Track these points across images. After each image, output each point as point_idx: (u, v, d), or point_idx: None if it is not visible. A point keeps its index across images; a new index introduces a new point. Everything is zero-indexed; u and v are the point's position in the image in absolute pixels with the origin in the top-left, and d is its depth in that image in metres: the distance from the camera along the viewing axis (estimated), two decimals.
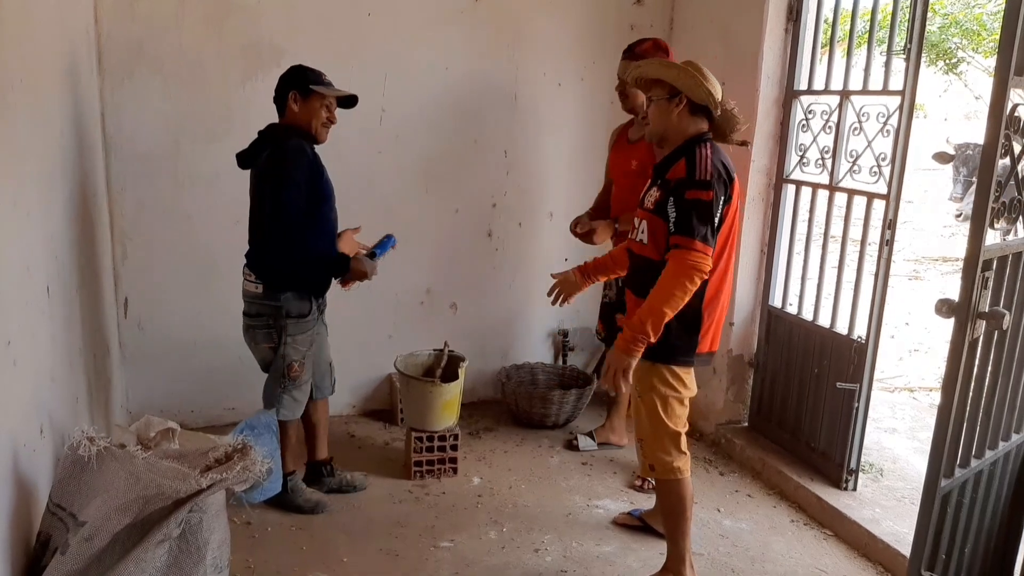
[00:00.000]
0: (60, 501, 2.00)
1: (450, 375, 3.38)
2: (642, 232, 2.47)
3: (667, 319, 2.32)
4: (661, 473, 2.56)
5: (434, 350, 3.55)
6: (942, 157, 9.71)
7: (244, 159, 2.89)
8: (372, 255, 3.01)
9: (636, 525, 3.04)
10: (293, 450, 3.03)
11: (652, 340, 2.34)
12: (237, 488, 2.18)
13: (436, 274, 4.00)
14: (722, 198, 2.30)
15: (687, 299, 2.31)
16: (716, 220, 2.30)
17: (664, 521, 2.66)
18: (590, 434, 3.75)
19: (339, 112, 2.86)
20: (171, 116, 3.41)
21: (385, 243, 3.07)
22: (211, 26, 3.38)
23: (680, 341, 2.44)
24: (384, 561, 2.79)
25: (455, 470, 3.39)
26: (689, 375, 2.53)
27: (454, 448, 3.38)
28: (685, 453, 2.56)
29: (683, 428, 2.56)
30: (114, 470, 2.01)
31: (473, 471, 3.45)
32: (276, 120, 2.87)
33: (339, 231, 2.96)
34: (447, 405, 3.31)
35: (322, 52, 3.47)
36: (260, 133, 2.84)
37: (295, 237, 2.70)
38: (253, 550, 2.79)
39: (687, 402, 2.55)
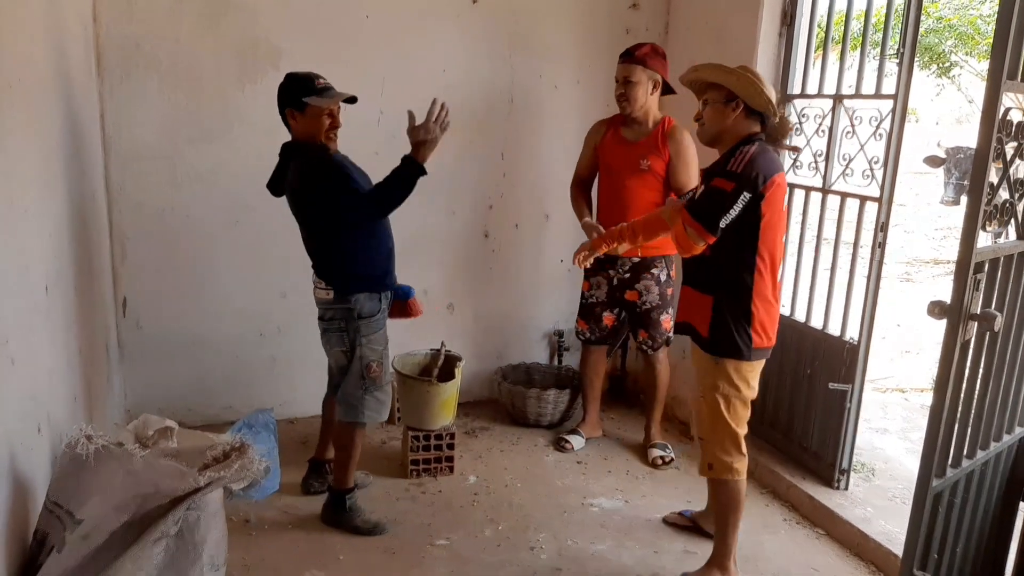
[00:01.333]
0: (57, 499, 2.00)
1: (447, 375, 3.39)
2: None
3: (636, 237, 2.79)
4: (719, 472, 2.61)
5: (431, 350, 3.56)
6: (933, 161, 9.78)
7: (274, 185, 2.85)
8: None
9: (687, 525, 3.07)
10: (355, 463, 2.95)
11: (626, 244, 2.81)
12: (235, 486, 2.19)
13: (433, 275, 4.01)
14: (748, 195, 2.34)
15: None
16: (730, 213, 2.36)
17: (716, 518, 2.72)
18: (576, 431, 3.78)
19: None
20: (169, 115, 3.42)
21: (402, 290, 3.04)
22: (209, 26, 3.39)
23: (736, 335, 2.49)
24: (380, 559, 2.80)
25: (451, 469, 3.41)
26: (752, 374, 2.57)
27: (450, 447, 3.39)
28: (744, 455, 2.62)
29: (743, 430, 2.61)
30: (112, 468, 2.02)
31: (469, 470, 3.47)
32: (277, 122, 2.84)
33: None
34: (444, 404, 3.33)
35: (320, 53, 3.49)
36: (280, 155, 2.81)
37: (383, 200, 2.65)
38: (250, 548, 2.80)
39: (749, 403, 2.61)
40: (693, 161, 3.34)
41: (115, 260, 3.47)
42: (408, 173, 2.63)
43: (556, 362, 4.30)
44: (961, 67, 11.64)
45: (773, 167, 2.40)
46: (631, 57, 3.31)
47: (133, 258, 3.49)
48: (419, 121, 2.61)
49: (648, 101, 3.35)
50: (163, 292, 3.56)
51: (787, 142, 2.54)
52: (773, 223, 2.43)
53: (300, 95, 2.63)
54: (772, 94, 2.43)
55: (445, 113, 2.62)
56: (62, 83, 2.65)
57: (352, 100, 2.74)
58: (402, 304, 3.03)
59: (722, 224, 2.37)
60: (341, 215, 2.68)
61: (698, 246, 2.43)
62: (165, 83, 3.38)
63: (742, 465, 2.62)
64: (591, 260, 2.95)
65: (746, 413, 2.62)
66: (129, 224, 3.46)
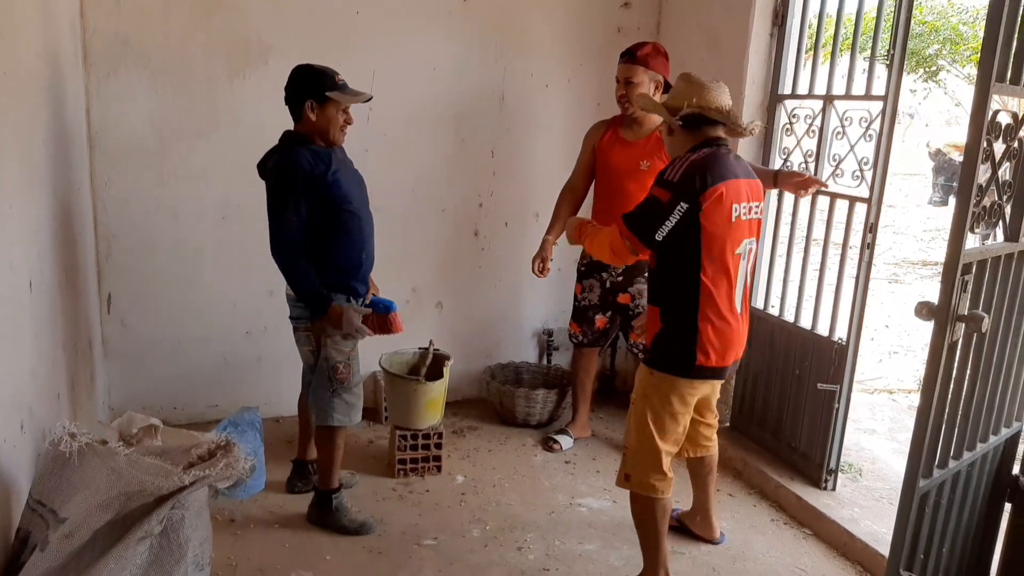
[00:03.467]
0: (40, 497, 1.98)
1: (435, 374, 3.38)
2: None
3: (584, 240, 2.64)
4: (636, 487, 2.50)
5: (419, 348, 3.55)
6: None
7: (261, 169, 2.82)
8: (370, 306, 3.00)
9: (673, 525, 2.96)
10: (339, 463, 2.92)
11: (574, 240, 2.68)
12: (220, 485, 2.17)
13: (422, 273, 4.00)
14: (685, 206, 2.25)
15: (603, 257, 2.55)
16: (666, 225, 2.26)
17: (638, 534, 2.59)
18: (565, 431, 3.78)
19: None
20: (157, 112, 3.39)
21: (384, 304, 3.05)
22: (198, 21, 3.37)
23: (676, 351, 2.38)
24: (367, 559, 2.78)
25: (439, 468, 3.39)
26: (692, 393, 2.45)
27: (438, 446, 3.38)
28: (666, 475, 2.48)
29: (669, 448, 2.48)
30: (96, 467, 2.00)
31: (457, 469, 3.45)
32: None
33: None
34: (432, 403, 3.31)
35: (310, 49, 3.44)
36: (279, 140, 2.75)
37: (290, 254, 2.67)
38: (235, 547, 2.78)
39: (683, 420, 2.47)
40: None
41: (100, 257, 3.43)
42: (312, 300, 2.71)
43: (545, 361, 4.29)
44: (948, 71, 11.72)
45: (717, 175, 2.26)
46: (633, 58, 3.25)
47: (118, 255, 3.46)
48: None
49: None
50: (148, 289, 3.53)
51: (745, 128, 2.38)
52: (716, 235, 2.29)
53: (323, 88, 2.63)
54: (712, 99, 2.34)
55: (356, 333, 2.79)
56: (48, 77, 2.62)
57: (368, 98, 2.76)
58: (383, 319, 3.02)
59: (658, 237, 2.27)
60: (269, 217, 2.66)
61: (631, 257, 2.39)
62: (154, 79, 3.35)
63: (663, 485, 2.47)
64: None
65: (675, 430, 2.47)
66: (114, 221, 3.43)
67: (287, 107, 2.73)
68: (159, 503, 1.98)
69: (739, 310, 2.42)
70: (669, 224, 2.26)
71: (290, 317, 2.85)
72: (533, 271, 3.48)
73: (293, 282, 2.71)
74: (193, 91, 3.42)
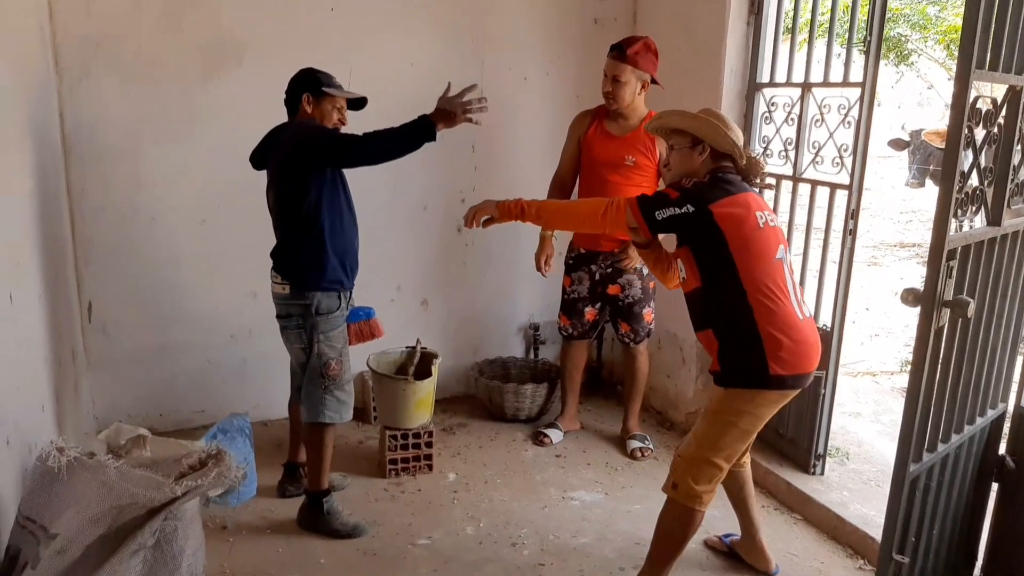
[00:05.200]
0: (30, 514, 1.96)
1: (423, 372, 3.37)
2: (680, 270, 2.46)
3: (549, 219, 2.58)
4: (682, 497, 2.41)
5: (406, 347, 3.53)
6: (897, 144, 9.94)
7: (258, 157, 2.84)
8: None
9: (723, 551, 2.91)
10: (328, 463, 2.90)
11: (523, 217, 2.47)
12: (212, 494, 2.16)
13: (406, 271, 3.98)
14: (691, 208, 2.28)
15: (581, 221, 2.61)
16: (668, 210, 2.29)
17: (656, 540, 2.51)
18: (554, 425, 3.78)
19: None
20: (131, 115, 3.33)
21: (363, 312, 3.12)
22: (170, 22, 3.31)
23: (745, 364, 2.34)
24: (361, 561, 2.77)
25: (430, 467, 3.39)
26: (767, 404, 2.37)
27: (428, 445, 3.37)
28: (714, 490, 2.43)
29: (727, 465, 2.42)
30: (86, 480, 1.98)
31: (448, 467, 3.45)
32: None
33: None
34: (421, 402, 3.30)
35: (285, 47, 3.43)
36: (270, 133, 2.83)
37: (363, 139, 2.65)
38: (229, 555, 2.76)
39: (749, 438, 2.44)
40: None
41: (79, 264, 3.38)
42: (416, 129, 2.64)
43: (532, 356, 4.29)
44: (919, 54, 11.84)
45: (729, 190, 2.33)
46: (623, 56, 3.23)
47: (97, 262, 3.41)
48: (453, 93, 2.66)
49: (636, 100, 3.33)
50: (129, 295, 3.49)
51: (758, 181, 2.47)
52: (745, 241, 2.29)
53: (319, 84, 2.75)
54: (737, 136, 2.40)
55: (476, 102, 2.65)
56: (19, 82, 2.57)
57: (363, 101, 2.89)
58: (364, 327, 3.04)
59: (658, 216, 2.30)
60: (333, 152, 2.64)
61: (620, 228, 2.43)
62: (127, 81, 3.30)
63: (709, 498, 2.42)
64: (478, 222, 2.55)
65: (738, 448, 2.42)
66: (92, 227, 3.37)
67: (285, 106, 2.79)
68: (151, 515, 1.97)
69: (800, 316, 2.35)
70: (670, 211, 2.30)
71: (277, 316, 2.83)
72: (538, 269, 3.49)
73: (395, 143, 2.67)
74: (167, 93, 3.37)
